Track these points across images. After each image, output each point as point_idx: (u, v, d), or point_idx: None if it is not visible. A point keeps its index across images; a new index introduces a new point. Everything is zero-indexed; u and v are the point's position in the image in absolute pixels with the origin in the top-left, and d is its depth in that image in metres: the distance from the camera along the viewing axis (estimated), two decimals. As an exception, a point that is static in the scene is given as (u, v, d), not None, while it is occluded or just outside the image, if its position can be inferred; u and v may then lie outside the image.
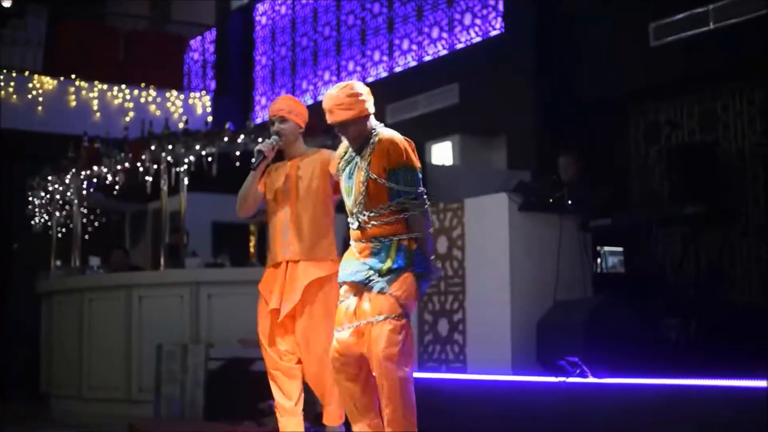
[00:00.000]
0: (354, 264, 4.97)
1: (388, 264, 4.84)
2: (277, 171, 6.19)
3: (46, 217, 12.47)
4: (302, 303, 6.00)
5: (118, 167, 10.32)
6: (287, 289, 6.02)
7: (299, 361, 6.13)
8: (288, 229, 6.03)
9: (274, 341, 6.15)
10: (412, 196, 4.81)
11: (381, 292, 4.82)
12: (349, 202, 5.04)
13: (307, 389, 6.65)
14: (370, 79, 14.81)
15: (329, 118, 4.99)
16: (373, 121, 5.02)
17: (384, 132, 4.96)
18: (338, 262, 5.33)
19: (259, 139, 6.70)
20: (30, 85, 15.85)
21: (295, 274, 6.00)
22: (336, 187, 5.76)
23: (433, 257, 4.91)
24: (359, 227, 4.95)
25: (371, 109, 4.99)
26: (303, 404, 6.12)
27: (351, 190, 5.01)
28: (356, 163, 4.98)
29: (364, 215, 4.91)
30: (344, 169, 5.07)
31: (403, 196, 4.82)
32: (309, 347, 6.03)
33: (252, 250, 10.23)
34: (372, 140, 4.93)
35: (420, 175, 4.90)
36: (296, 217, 6.02)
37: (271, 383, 6.14)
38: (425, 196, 4.86)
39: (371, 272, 4.87)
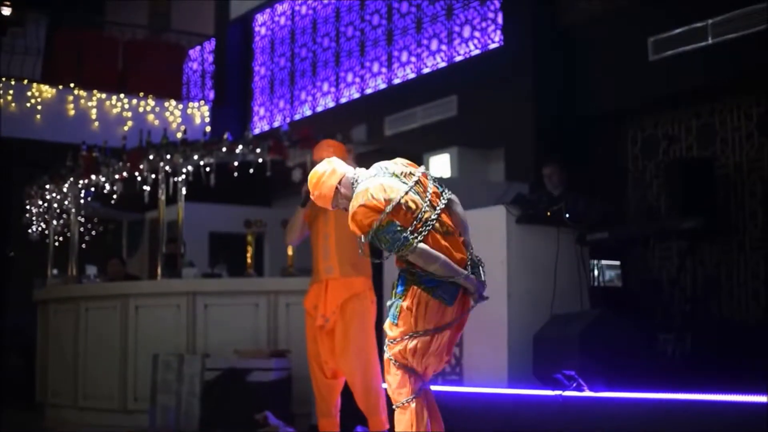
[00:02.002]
0: None
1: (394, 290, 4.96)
2: None
3: (44, 226, 12.46)
4: (341, 318, 6.79)
5: (116, 176, 10.31)
6: (329, 305, 6.82)
7: (338, 375, 6.92)
8: (328, 252, 6.89)
9: (320, 358, 6.92)
10: (395, 249, 4.78)
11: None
12: None
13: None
14: (368, 91, 14.83)
15: None
16: (348, 178, 4.97)
17: (357, 191, 4.89)
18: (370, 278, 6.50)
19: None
20: (29, 93, 15.85)
21: (335, 291, 6.82)
22: None
23: (461, 276, 4.86)
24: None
25: (336, 178, 4.95)
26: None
27: None
28: None
29: None
30: None
31: (390, 250, 4.81)
32: (347, 360, 6.75)
33: (249, 260, 10.21)
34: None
35: (391, 226, 4.72)
36: (336, 242, 6.86)
37: (315, 390, 7.01)
38: (405, 241, 4.76)
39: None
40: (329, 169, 4.98)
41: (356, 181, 4.94)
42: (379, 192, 4.76)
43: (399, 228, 4.71)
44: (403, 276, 4.88)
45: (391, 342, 4.85)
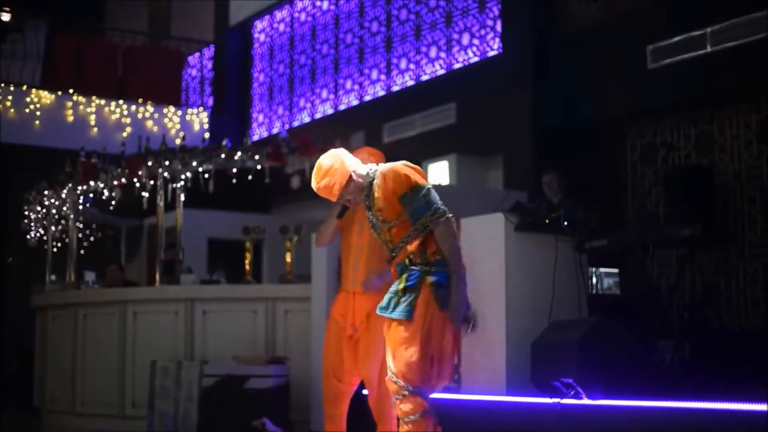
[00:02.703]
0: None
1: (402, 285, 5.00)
2: (353, 211, 6.72)
3: (42, 232, 12.46)
4: (367, 328, 6.79)
5: (115, 182, 10.32)
6: (357, 315, 6.84)
7: (354, 382, 6.99)
8: (359, 265, 6.88)
9: (342, 366, 6.93)
10: (430, 212, 4.82)
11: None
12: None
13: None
14: (367, 98, 14.84)
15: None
16: (362, 169, 5.04)
17: (382, 167, 4.99)
18: None
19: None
20: (28, 99, 15.86)
21: (362, 303, 6.79)
22: None
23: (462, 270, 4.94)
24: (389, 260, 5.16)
25: (350, 166, 5.00)
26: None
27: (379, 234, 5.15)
28: (371, 210, 5.06)
29: (393, 250, 5.07)
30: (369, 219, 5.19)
31: (421, 213, 4.83)
32: (370, 367, 6.80)
33: (248, 267, 10.20)
34: (375, 181, 4.96)
35: (432, 192, 4.92)
36: (367, 255, 6.85)
37: (325, 395, 7.03)
38: (443, 210, 4.87)
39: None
40: (341, 158, 5.01)
41: (371, 170, 4.98)
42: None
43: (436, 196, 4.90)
44: (417, 271, 4.87)
45: (405, 343, 4.82)
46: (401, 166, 4.93)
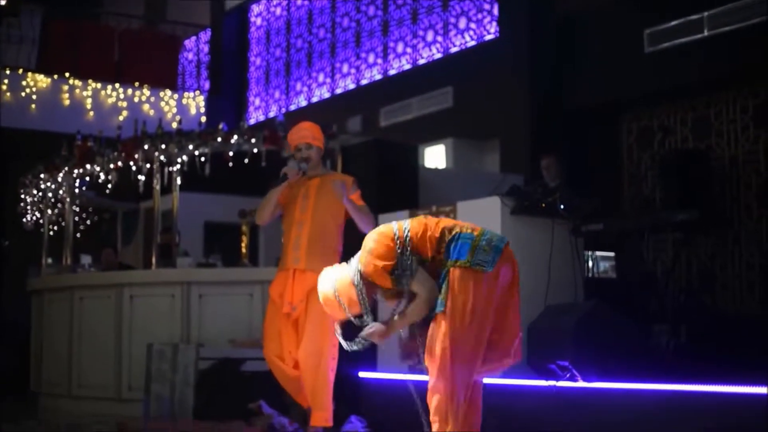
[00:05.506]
0: None
1: None
2: (298, 187, 6.84)
3: (38, 215, 12.44)
4: (305, 309, 6.60)
5: (111, 166, 10.29)
6: (296, 293, 6.65)
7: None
8: (300, 241, 6.68)
9: (284, 349, 6.73)
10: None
11: None
12: None
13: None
14: (364, 82, 14.83)
15: None
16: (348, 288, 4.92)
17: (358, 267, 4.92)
18: None
19: (289, 163, 7.06)
20: (24, 83, 15.83)
21: (302, 281, 6.59)
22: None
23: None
24: None
25: (338, 277, 4.90)
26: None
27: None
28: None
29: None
30: None
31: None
32: (304, 350, 6.61)
33: (244, 250, 10.19)
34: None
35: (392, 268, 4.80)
36: (310, 232, 6.69)
37: (283, 385, 6.89)
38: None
39: None
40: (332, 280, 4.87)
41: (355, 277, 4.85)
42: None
43: None
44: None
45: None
46: (365, 262, 4.78)
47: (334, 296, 4.78)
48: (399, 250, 4.73)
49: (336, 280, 4.81)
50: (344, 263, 4.95)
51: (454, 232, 4.79)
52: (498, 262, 4.74)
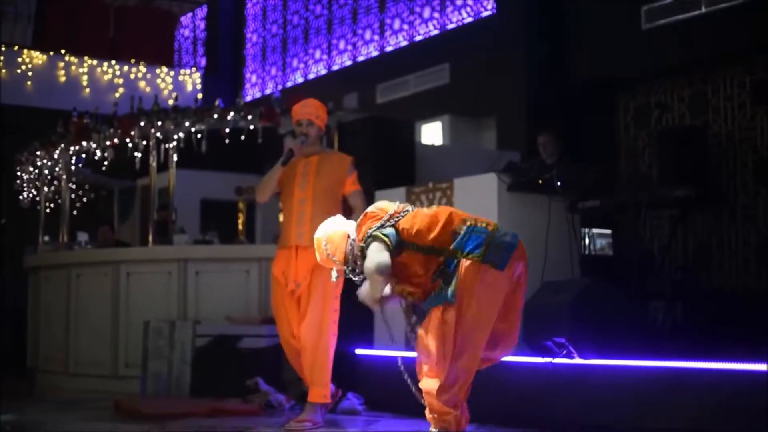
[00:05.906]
0: None
1: None
2: (298, 165, 6.89)
3: (35, 192, 12.42)
4: (308, 286, 6.66)
5: (107, 143, 10.27)
6: (299, 271, 6.70)
7: None
8: (304, 218, 6.73)
9: (290, 325, 6.81)
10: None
11: None
12: None
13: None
14: (360, 58, 14.79)
15: None
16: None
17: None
18: None
19: (288, 139, 7.15)
20: (19, 59, 15.80)
21: (305, 258, 6.61)
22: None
23: None
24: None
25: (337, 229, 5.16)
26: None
27: None
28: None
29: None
30: None
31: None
32: (306, 326, 6.65)
33: (240, 227, 10.21)
34: None
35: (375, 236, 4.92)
36: (311, 209, 6.73)
37: (290, 360, 6.97)
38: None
39: None
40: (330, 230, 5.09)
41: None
42: None
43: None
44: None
45: None
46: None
47: (323, 242, 5.05)
48: (384, 221, 4.85)
49: (331, 230, 5.07)
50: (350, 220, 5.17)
51: (468, 224, 4.82)
52: (510, 260, 4.78)
